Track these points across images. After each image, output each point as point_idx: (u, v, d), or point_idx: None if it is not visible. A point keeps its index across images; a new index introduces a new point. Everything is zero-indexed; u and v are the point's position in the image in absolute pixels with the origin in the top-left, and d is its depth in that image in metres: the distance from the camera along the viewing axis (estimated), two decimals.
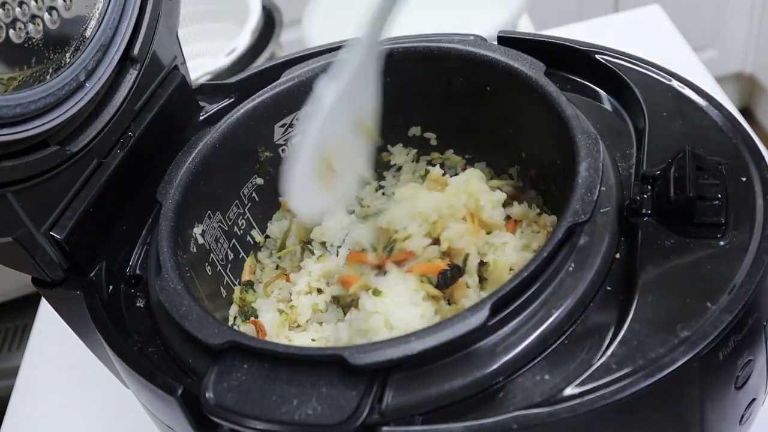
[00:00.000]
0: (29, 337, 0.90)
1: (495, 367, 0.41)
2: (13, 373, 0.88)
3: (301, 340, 0.56)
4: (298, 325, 0.58)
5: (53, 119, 0.48)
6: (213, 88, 0.64)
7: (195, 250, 0.55)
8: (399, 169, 0.66)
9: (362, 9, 0.45)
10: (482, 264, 0.55)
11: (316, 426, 0.39)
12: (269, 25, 1.19)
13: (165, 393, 0.43)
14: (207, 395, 0.41)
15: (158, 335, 0.50)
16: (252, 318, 0.58)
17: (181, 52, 0.62)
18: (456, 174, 0.65)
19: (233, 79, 0.64)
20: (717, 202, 0.46)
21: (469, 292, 0.54)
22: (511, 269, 0.54)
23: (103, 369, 0.59)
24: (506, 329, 0.42)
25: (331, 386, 0.40)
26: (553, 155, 0.56)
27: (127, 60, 0.56)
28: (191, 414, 0.43)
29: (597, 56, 0.58)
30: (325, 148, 0.48)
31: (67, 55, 0.50)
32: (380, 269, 0.56)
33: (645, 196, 0.48)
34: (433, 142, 0.64)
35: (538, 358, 0.42)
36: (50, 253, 0.49)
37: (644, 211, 0.47)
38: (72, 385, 0.82)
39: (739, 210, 0.46)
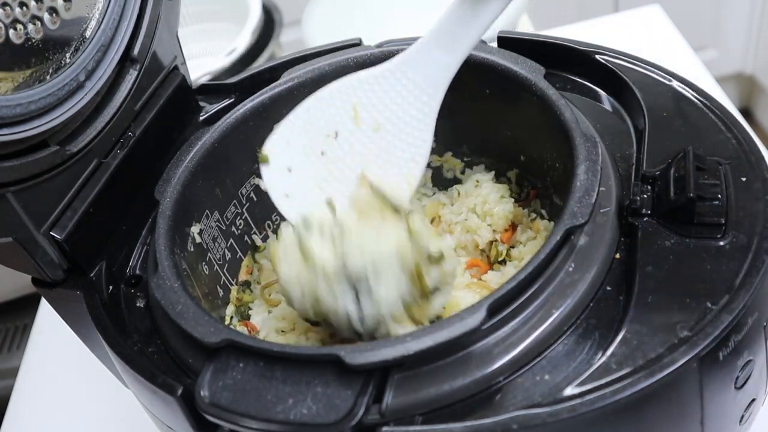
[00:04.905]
0: (29, 337, 0.90)
1: (495, 367, 0.41)
2: (13, 373, 0.88)
3: (294, 338, 0.56)
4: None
5: (53, 119, 0.48)
6: (213, 88, 0.64)
7: (192, 249, 0.55)
8: None
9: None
10: None
11: (311, 425, 0.39)
12: (269, 25, 1.19)
13: (165, 393, 0.43)
14: (201, 393, 0.41)
15: (158, 335, 0.50)
16: (248, 318, 0.58)
17: (181, 52, 0.62)
18: (455, 177, 0.65)
19: (233, 79, 0.64)
20: (717, 202, 0.46)
21: None
22: None
23: (103, 369, 0.59)
24: (506, 329, 0.42)
25: (326, 386, 0.40)
26: (552, 158, 0.56)
27: (127, 60, 0.56)
28: (191, 414, 0.43)
29: (597, 56, 0.57)
30: None
31: (67, 55, 0.50)
32: None
33: (645, 196, 0.48)
34: (432, 145, 0.64)
35: (538, 358, 0.42)
36: (50, 253, 0.49)
37: (644, 211, 0.47)
38: (72, 385, 0.82)
39: (739, 210, 0.46)
